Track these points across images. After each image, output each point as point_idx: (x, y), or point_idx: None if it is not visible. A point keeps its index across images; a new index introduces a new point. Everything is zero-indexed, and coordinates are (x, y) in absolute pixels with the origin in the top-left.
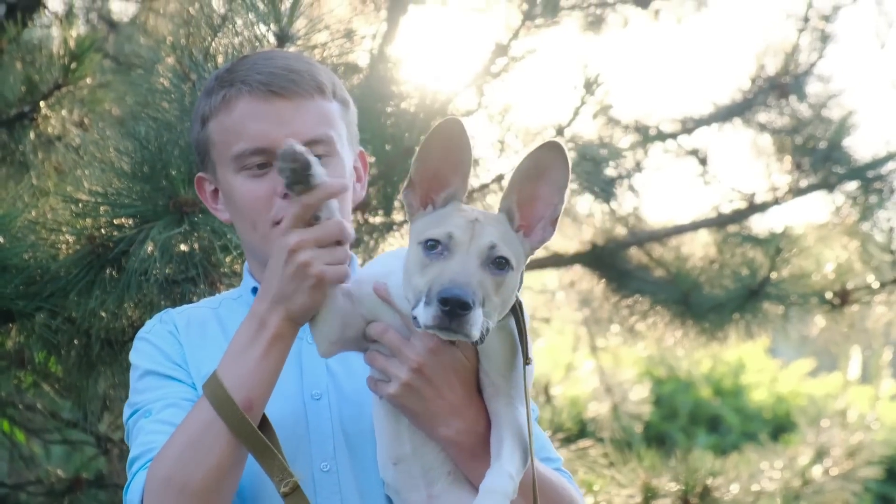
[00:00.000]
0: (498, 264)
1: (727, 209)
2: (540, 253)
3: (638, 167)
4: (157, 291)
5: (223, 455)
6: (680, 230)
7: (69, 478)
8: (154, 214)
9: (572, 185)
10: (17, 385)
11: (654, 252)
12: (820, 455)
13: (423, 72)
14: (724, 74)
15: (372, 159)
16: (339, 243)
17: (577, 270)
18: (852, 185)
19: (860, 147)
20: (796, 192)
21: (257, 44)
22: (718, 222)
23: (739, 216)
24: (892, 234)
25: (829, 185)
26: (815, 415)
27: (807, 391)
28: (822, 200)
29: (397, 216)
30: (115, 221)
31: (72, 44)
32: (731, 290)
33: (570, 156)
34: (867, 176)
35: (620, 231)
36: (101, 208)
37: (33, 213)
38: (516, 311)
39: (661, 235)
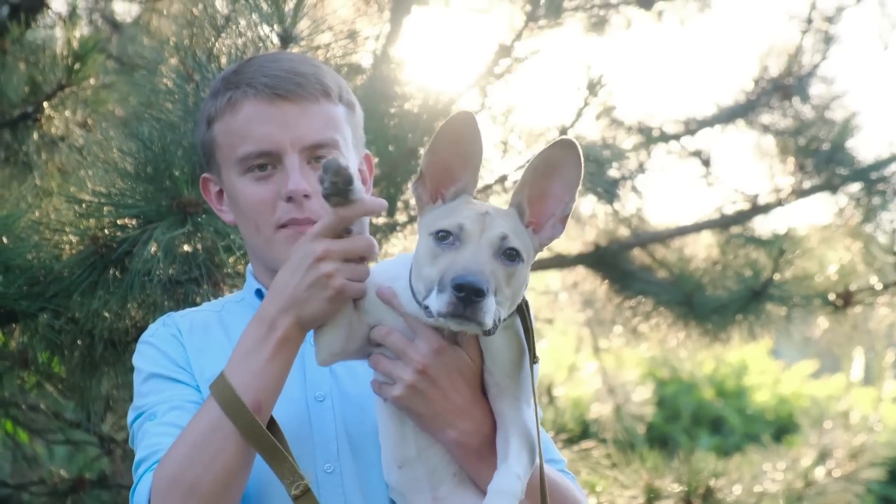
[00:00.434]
0: (509, 255)
1: (730, 210)
2: (543, 254)
3: (641, 168)
4: (161, 292)
5: (232, 457)
6: (683, 231)
7: (72, 478)
8: (157, 215)
9: None
10: (21, 385)
11: (657, 253)
12: (822, 456)
13: (427, 73)
14: (727, 76)
15: (375, 160)
16: (362, 260)
17: (580, 271)
18: (855, 187)
19: (863, 148)
20: (799, 193)
21: (261, 45)
22: (721, 223)
23: (742, 217)
24: (894, 235)
25: (832, 186)
26: (818, 416)
27: (809, 393)
28: (825, 202)
29: (400, 217)
30: (119, 222)
31: (75, 44)
32: (734, 292)
33: None
34: (870, 177)
35: (623, 232)
36: (105, 209)
37: (37, 214)
38: (522, 310)
39: (664, 237)
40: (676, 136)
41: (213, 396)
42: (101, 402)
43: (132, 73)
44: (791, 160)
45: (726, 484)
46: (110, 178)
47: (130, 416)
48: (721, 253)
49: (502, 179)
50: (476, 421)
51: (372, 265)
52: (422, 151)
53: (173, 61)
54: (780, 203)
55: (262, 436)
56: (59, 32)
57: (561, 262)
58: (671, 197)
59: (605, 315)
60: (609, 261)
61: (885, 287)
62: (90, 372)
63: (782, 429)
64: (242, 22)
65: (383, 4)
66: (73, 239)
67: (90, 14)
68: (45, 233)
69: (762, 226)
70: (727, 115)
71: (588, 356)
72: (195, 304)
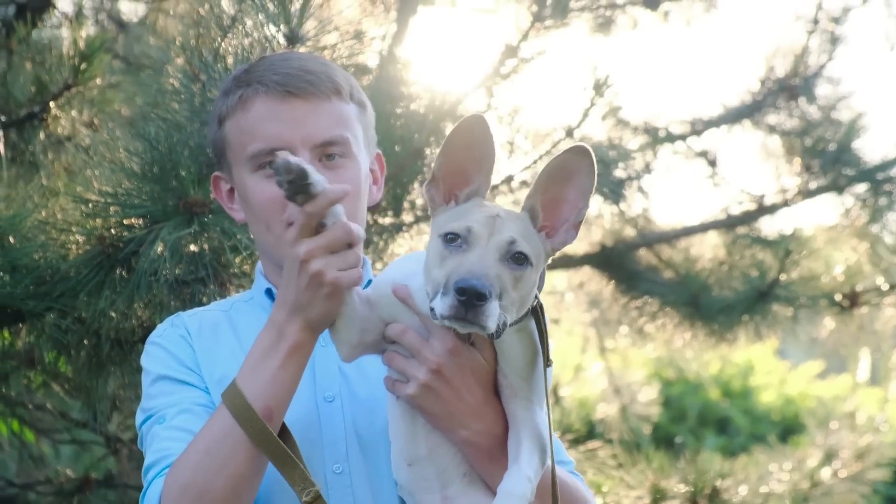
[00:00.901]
0: (517, 260)
1: (736, 211)
2: None
3: (647, 169)
4: (167, 292)
5: (243, 464)
6: (689, 232)
7: (78, 478)
8: (164, 215)
9: None
10: (27, 385)
11: (664, 253)
12: (829, 457)
13: (433, 73)
14: (734, 76)
15: None
16: (349, 246)
17: (587, 272)
18: (862, 188)
19: (870, 149)
20: (806, 193)
21: (267, 45)
22: (728, 224)
23: (749, 218)
24: None
25: (838, 187)
26: (824, 417)
27: (815, 393)
28: (831, 202)
29: (407, 217)
30: (125, 222)
31: (81, 44)
32: (740, 292)
33: None
34: (877, 178)
35: (630, 232)
36: (111, 209)
37: (43, 214)
38: (537, 312)
39: (671, 237)
40: (682, 137)
41: (224, 403)
42: (107, 402)
43: (138, 72)
44: (797, 161)
45: (732, 484)
46: (117, 178)
47: (139, 418)
48: (727, 253)
49: (508, 180)
50: (488, 421)
51: (390, 264)
52: (428, 152)
53: (179, 61)
54: (786, 203)
55: (273, 443)
56: (65, 32)
57: (567, 262)
58: (677, 197)
59: (611, 315)
60: (615, 261)
61: (892, 287)
62: (97, 372)
63: (788, 429)
64: (249, 22)
65: (389, 5)
66: (80, 239)
67: (96, 14)
68: (51, 232)
69: (768, 226)
70: (733, 116)
71: (594, 356)
72: (201, 304)
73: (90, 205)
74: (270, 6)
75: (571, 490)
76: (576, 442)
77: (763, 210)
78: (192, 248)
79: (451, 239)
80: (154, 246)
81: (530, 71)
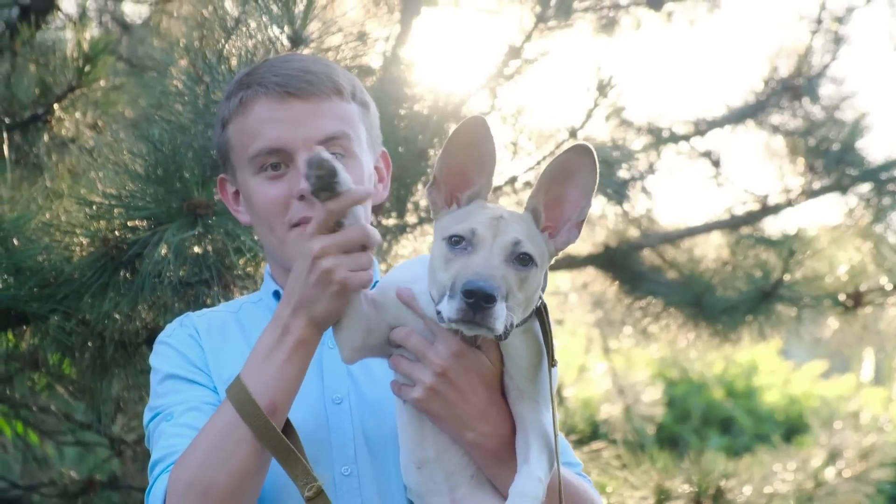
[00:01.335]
0: (521, 260)
1: (740, 211)
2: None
3: (651, 169)
4: (171, 294)
5: (247, 459)
6: (693, 232)
7: (82, 479)
8: (168, 217)
9: None
10: (31, 387)
11: (667, 254)
12: (833, 457)
13: (437, 74)
14: (737, 76)
15: None
16: (363, 248)
17: (590, 272)
18: (865, 187)
19: (873, 149)
20: (809, 193)
21: (271, 47)
22: (731, 224)
23: (752, 218)
24: None
25: (842, 186)
26: (828, 416)
27: (819, 393)
28: (835, 202)
29: (410, 218)
30: (129, 224)
31: (85, 46)
32: (744, 292)
33: None
34: (880, 178)
35: (633, 233)
36: (115, 210)
37: (47, 216)
38: (541, 313)
39: (674, 237)
40: (686, 137)
41: (228, 399)
42: (111, 404)
43: (142, 74)
44: (801, 161)
45: (736, 484)
46: (121, 180)
47: (147, 416)
48: (731, 253)
49: (512, 180)
50: (494, 423)
51: (394, 267)
52: (432, 153)
53: (183, 63)
54: (789, 204)
55: (277, 438)
56: (69, 34)
57: (571, 262)
58: (681, 197)
59: (615, 315)
60: (619, 261)
61: (895, 287)
62: (101, 373)
63: (792, 429)
64: (252, 24)
65: (393, 6)
66: (84, 241)
67: (100, 16)
68: (55, 235)
69: (772, 226)
70: (737, 116)
71: (598, 357)
72: (206, 306)
73: (94, 207)
74: (274, 8)
75: (579, 492)
76: (580, 442)
77: (767, 210)
78: (196, 249)
79: (456, 241)
80: (158, 248)
81: (534, 72)
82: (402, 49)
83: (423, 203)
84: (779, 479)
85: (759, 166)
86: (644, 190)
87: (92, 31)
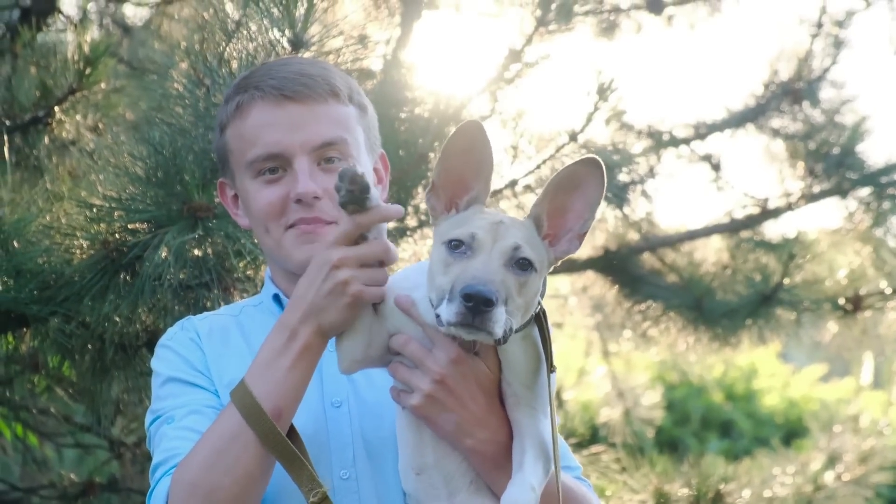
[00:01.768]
0: (521, 265)
1: (740, 215)
2: None
3: (651, 173)
4: (171, 296)
5: (251, 463)
6: (693, 235)
7: (82, 481)
8: (168, 219)
9: None
10: (31, 389)
11: (667, 257)
12: (832, 460)
13: (437, 77)
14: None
15: None
16: (381, 264)
17: (590, 276)
18: (865, 191)
19: (873, 153)
20: (809, 197)
21: (272, 50)
22: (731, 228)
23: (752, 222)
24: None
25: (842, 190)
26: (828, 420)
27: (819, 396)
28: (835, 206)
29: (411, 222)
30: (129, 226)
31: (86, 48)
32: (743, 296)
33: None
34: (880, 182)
35: (633, 236)
36: (116, 213)
37: (47, 218)
38: (540, 319)
39: (674, 241)
40: (686, 141)
41: (233, 403)
42: (111, 406)
43: (143, 77)
44: (801, 164)
45: (736, 488)
46: (121, 183)
47: (148, 419)
48: (731, 257)
49: (512, 184)
50: (492, 429)
51: (393, 273)
52: (432, 156)
53: (184, 66)
54: (789, 207)
55: (282, 443)
56: (69, 36)
57: (571, 266)
58: (681, 201)
59: (615, 319)
60: (619, 265)
61: (895, 291)
62: (100, 376)
63: (791, 433)
64: (253, 27)
65: (394, 9)
66: (84, 243)
67: (101, 18)
68: (55, 237)
69: (772, 230)
70: (737, 120)
71: (597, 360)
72: (205, 309)
73: (94, 209)
74: (275, 11)
75: (577, 497)
76: (579, 446)
77: (767, 214)
78: (197, 252)
79: (456, 245)
80: (158, 250)
81: (534, 75)
82: (403, 52)
83: (424, 206)
84: (778, 483)
85: (760, 170)
86: (644, 193)
87: (92, 34)
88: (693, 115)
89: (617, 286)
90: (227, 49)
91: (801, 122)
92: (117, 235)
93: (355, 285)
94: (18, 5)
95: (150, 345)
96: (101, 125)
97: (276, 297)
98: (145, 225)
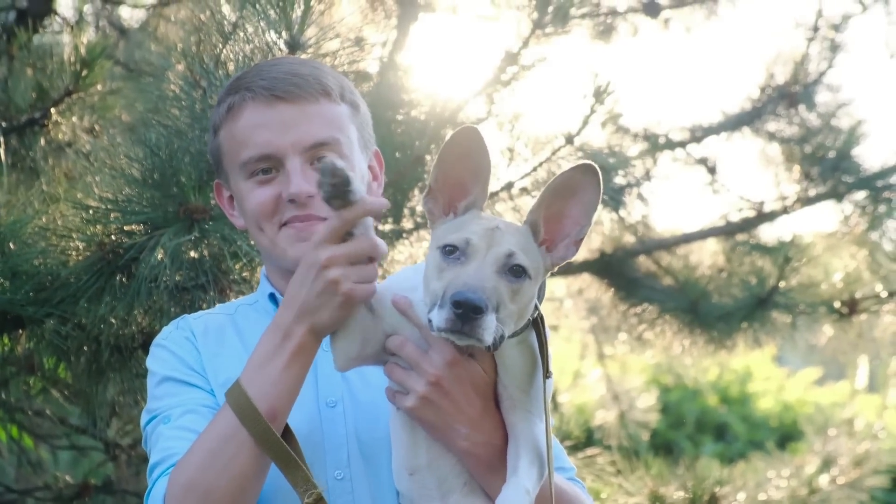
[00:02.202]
0: (514, 272)
1: (736, 218)
2: None
3: (647, 175)
4: (167, 298)
5: (246, 464)
6: (688, 239)
7: (77, 483)
8: (164, 221)
9: None
10: (27, 391)
11: (663, 260)
12: (827, 464)
13: (434, 79)
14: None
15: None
16: (370, 260)
17: (586, 278)
18: (861, 195)
19: (869, 156)
20: (805, 201)
21: (268, 51)
22: (727, 231)
23: (748, 225)
24: None
25: (837, 194)
26: (823, 423)
27: (813, 400)
28: (830, 210)
29: (407, 224)
30: (126, 228)
31: (82, 50)
32: (739, 299)
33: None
34: (876, 185)
35: (629, 239)
36: (112, 215)
37: (43, 220)
38: (538, 324)
39: (670, 244)
40: (682, 144)
41: (228, 404)
42: (106, 408)
43: (139, 79)
44: (797, 168)
45: (731, 491)
46: (117, 185)
47: (144, 419)
48: (726, 260)
49: (508, 187)
50: (487, 432)
51: (392, 272)
52: (429, 158)
53: (180, 67)
54: (785, 211)
55: (277, 444)
56: (66, 38)
57: (566, 268)
58: (677, 204)
59: (610, 322)
60: (614, 268)
61: (891, 295)
62: (96, 378)
63: (786, 436)
64: (250, 28)
65: (390, 11)
66: (80, 245)
67: (97, 20)
68: (51, 238)
69: (768, 233)
70: (733, 123)
71: (593, 363)
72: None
73: (90, 211)
74: (272, 13)
75: (571, 499)
76: (574, 448)
77: (762, 217)
78: (193, 254)
79: (450, 251)
80: (154, 252)
81: (531, 78)
82: (400, 54)
83: (420, 209)
84: (773, 486)
85: (755, 173)
86: (640, 196)
87: (89, 36)
88: (689, 119)
89: (613, 289)
90: (224, 51)
91: (797, 126)
92: (113, 237)
93: (346, 284)
94: (15, 7)
95: (146, 346)
96: (97, 127)
97: (272, 296)
98: (141, 227)
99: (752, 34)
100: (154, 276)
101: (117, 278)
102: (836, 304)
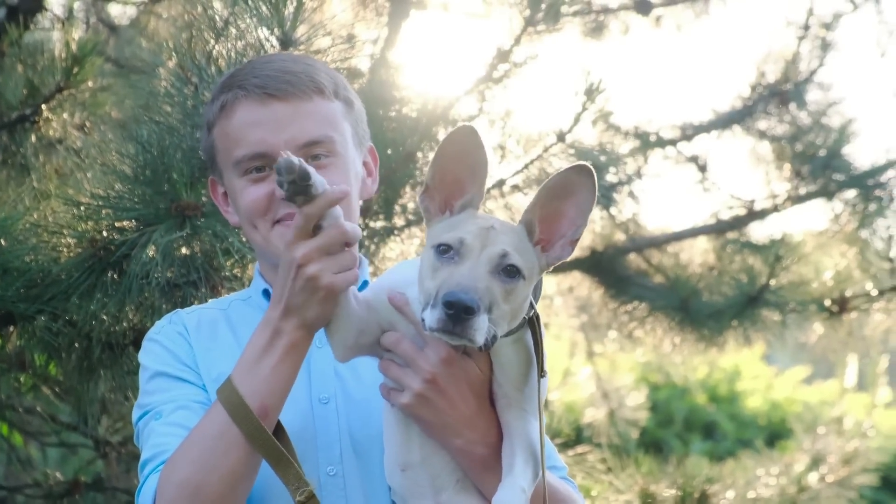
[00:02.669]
0: (508, 272)
1: (726, 216)
2: None
3: (638, 173)
4: (159, 295)
5: (238, 461)
6: (679, 237)
7: (67, 481)
8: (156, 218)
9: None
10: (17, 388)
11: (654, 258)
12: (816, 462)
13: (425, 77)
14: (725, 82)
15: None
16: (346, 246)
17: (576, 276)
18: (851, 193)
19: (860, 155)
20: (795, 199)
21: (260, 48)
22: (717, 229)
23: (739, 223)
24: (890, 241)
25: (828, 192)
26: (812, 422)
27: (801, 398)
28: (821, 208)
29: (398, 221)
30: (117, 224)
31: (73, 47)
32: (729, 297)
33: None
34: (866, 184)
35: (620, 237)
36: (103, 211)
37: (34, 216)
38: (533, 323)
39: (661, 242)
40: (673, 142)
41: (219, 401)
42: (97, 405)
43: (129, 75)
44: (787, 166)
45: (720, 489)
46: (108, 181)
47: (135, 414)
48: (717, 258)
49: (500, 184)
50: (482, 430)
51: (390, 269)
52: (420, 155)
53: (171, 64)
54: (776, 209)
55: (268, 441)
56: (56, 35)
57: (557, 266)
58: (667, 202)
59: (601, 320)
60: (605, 265)
61: (881, 293)
62: (87, 375)
63: (774, 434)
64: (242, 25)
65: (382, 8)
66: (71, 241)
67: (87, 17)
68: (42, 235)
69: (758, 231)
70: (724, 121)
71: (582, 361)
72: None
73: (82, 207)
74: (264, 9)
75: (563, 497)
76: (564, 446)
77: (753, 215)
78: (184, 251)
79: (444, 250)
80: (146, 249)
81: (522, 75)
82: (391, 52)
83: (411, 206)
84: (762, 484)
85: (746, 171)
86: (631, 194)
87: (79, 32)
88: (680, 117)
89: (603, 287)
90: (216, 47)
91: (787, 124)
92: (105, 234)
93: (326, 277)
94: (5, 4)
95: (137, 343)
96: (88, 124)
97: (266, 292)
98: (133, 223)
99: (743, 32)
100: (145, 272)
101: (108, 275)
102: (827, 303)
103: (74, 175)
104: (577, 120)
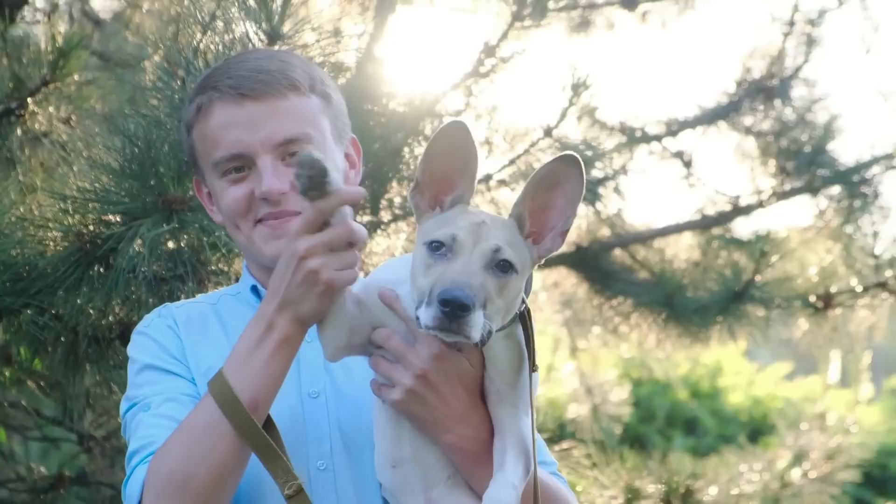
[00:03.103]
0: (501, 267)
1: (711, 212)
2: None
3: (623, 169)
4: (145, 289)
5: (227, 454)
6: (664, 232)
7: (52, 475)
8: (142, 211)
9: None
10: (2, 382)
11: (638, 254)
12: (799, 458)
13: (411, 71)
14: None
15: None
16: (350, 246)
17: (561, 271)
18: (836, 189)
19: (845, 151)
20: (780, 195)
21: (248, 42)
22: (703, 225)
23: (724, 219)
24: (875, 238)
25: (813, 188)
26: (794, 418)
27: (783, 394)
28: (806, 204)
29: (385, 215)
30: (104, 218)
31: (59, 40)
32: (714, 293)
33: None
34: (851, 180)
35: (605, 232)
36: (90, 205)
37: (20, 210)
38: (524, 318)
39: (646, 237)
40: (658, 137)
41: (210, 393)
42: (81, 400)
43: (114, 69)
44: (772, 162)
45: (703, 485)
46: (95, 175)
47: (123, 407)
48: (702, 254)
49: (486, 179)
50: (474, 426)
51: (380, 265)
52: (407, 150)
53: (157, 57)
54: (761, 205)
55: (258, 434)
56: (40, 28)
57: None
58: (653, 198)
59: (585, 315)
60: (590, 261)
61: (865, 289)
62: (72, 369)
63: (756, 430)
64: (229, 17)
65: (368, 3)
66: (58, 235)
67: (70, 10)
68: (28, 229)
69: (743, 227)
70: (709, 117)
71: (566, 356)
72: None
73: (68, 201)
74: (251, 2)
75: (554, 493)
76: (549, 441)
77: (738, 211)
78: (171, 245)
79: (436, 247)
80: (132, 243)
81: (509, 70)
82: (377, 46)
83: (398, 200)
84: (745, 480)
85: (731, 167)
86: (616, 190)
87: (64, 26)
88: (665, 112)
89: (588, 282)
90: (203, 41)
91: (772, 120)
92: (91, 227)
93: (327, 272)
94: None
95: (124, 337)
96: (73, 117)
97: (255, 289)
98: (119, 217)
99: (728, 28)
100: (132, 266)
101: (95, 269)
102: (812, 299)
103: (60, 169)
104: (563, 115)
